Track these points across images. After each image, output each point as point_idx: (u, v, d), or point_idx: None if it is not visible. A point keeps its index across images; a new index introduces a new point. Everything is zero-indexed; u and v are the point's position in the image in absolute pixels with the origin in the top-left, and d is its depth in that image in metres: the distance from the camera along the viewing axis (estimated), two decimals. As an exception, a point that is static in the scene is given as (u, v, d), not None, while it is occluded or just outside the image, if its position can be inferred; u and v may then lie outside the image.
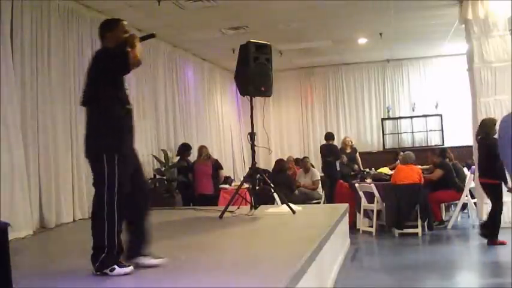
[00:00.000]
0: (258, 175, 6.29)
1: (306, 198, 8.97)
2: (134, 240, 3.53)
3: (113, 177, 3.34)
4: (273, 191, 6.66)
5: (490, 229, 6.22)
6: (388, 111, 13.21)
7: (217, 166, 9.10)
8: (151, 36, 3.60)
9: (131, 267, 3.37)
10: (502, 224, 6.40)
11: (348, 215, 6.73)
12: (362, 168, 10.72)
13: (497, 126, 6.10)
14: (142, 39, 3.49)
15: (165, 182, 8.48)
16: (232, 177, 10.65)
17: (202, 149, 9.13)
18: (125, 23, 3.60)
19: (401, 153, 10.42)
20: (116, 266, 3.32)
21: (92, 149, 3.45)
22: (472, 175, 7.84)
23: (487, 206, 7.22)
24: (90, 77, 3.47)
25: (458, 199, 7.72)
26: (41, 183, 6.01)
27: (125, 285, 3.24)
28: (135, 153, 3.66)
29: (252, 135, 6.10)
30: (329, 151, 9.86)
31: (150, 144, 8.62)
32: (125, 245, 3.49)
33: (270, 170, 9.84)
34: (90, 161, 3.48)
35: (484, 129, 6.26)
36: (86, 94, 3.49)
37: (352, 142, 11.20)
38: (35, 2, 6.08)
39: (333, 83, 13.63)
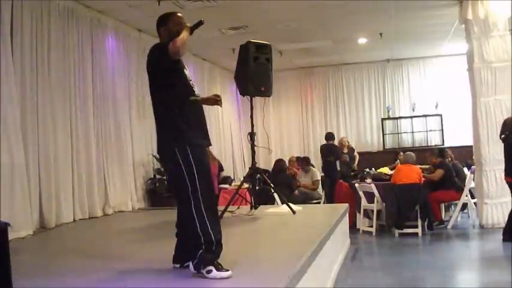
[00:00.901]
0: (258, 175, 6.29)
1: (306, 198, 8.97)
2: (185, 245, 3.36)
3: (191, 169, 3.12)
4: (273, 191, 6.66)
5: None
6: (388, 111, 13.20)
7: (220, 168, 9.13)
8: (200, 23, 3.49)
9: (230, 272, 3.12)
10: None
11: (348, 215, 6.73)
12: (356, 167, 10.74)
13: None
14: (192, 28, 3.42)
15: (165, 182, 8.47)
16: (232, 177, 10.64)
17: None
18: (179, 14, 3.48)
19: (401, 153, 10.46)
20: (213, 268, 3.10)
21: (161, 144, 3.33)
22: (472, 175, 7.84)
23: (487, 206, 7.23)
24: (148, 74, 3.42)
25: (458, 199, 7.71)
26: (41, 183, 6.00)
27: (126, 285, 3.24)
28: (208, 155, 3.42)
29: (252, 135, 6.10)
30: (329, 151, 9.85)
31: (150, 144, 8.61)
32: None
33: (270, 170, 9.84)
34: (161, 158, 3.32)
35: (506, 128, 6.20)
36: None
37: (348, 142, 11.22)
38: (35, 1, 6.08)
39: (332, 83, 13.62)
